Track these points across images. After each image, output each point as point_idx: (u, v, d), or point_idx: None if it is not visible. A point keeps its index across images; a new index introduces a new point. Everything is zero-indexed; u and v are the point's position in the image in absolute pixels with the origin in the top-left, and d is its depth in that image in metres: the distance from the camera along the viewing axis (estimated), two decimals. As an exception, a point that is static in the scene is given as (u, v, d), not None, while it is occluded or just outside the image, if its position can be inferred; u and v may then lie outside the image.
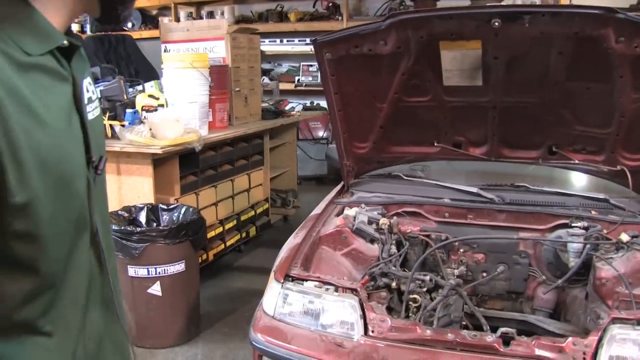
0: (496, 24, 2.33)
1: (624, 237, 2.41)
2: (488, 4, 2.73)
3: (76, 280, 0.98)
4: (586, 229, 2.56)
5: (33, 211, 0.84)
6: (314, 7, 8.05)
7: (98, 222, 1.04)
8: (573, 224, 2.60)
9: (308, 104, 7.71)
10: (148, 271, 3.32)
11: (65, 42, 0.95)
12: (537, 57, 2.54)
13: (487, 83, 2.66)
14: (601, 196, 2.81)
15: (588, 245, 2.45)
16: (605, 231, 2.54)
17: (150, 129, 3.72)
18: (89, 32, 7.77)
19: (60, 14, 0.94)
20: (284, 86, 7.80)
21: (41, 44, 0.90)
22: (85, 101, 1.00)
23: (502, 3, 5.85)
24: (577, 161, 2.91)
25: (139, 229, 3.36)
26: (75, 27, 6.68)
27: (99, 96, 1.13)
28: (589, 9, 2.28)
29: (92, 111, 1.03)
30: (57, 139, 0.89)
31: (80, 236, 0.98)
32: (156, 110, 3.98)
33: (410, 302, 2.38)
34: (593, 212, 2.70)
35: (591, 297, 2.35)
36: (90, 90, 1.04)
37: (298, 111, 6.28)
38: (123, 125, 3.83)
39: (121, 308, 1.15)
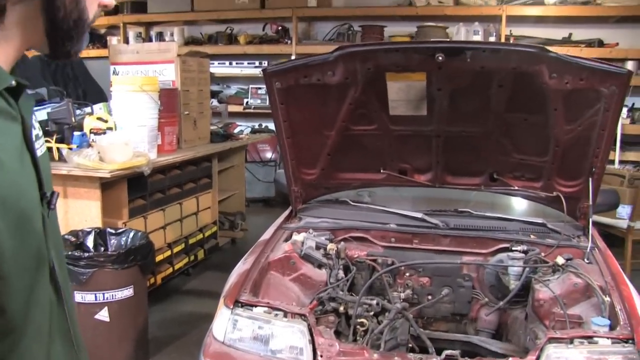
0: (440, 58, 2.43)
1: (560, 260, 2.54)
2: (432, 39, 2.85)
3: (39, 316, 0.98)
4: (525, 252, 2.67)
5: None
6: (263, 30, 8.11)
7: (54, 256, 1.04)
8: (513, 248, 2.72)
9: (256, 127, 7.74)
10: (95, 297, 3.28)
11: (14, 82, 0.95)
12: (478, 90, 2.65)
13: (431, 113, 2.75)
14: (539, 221, 2.94)
15: (527, 269, 2.56)
16: (543, 254, 2.66)
17: (99, 153, 3.69)
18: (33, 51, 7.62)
19: (6, 53, 0.95)
20: (232, 108, 7.80)
21: None
22: (34, 138, 1.00)
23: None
24: (516, 187, 3.02)
25: (86, 254, 3.32)
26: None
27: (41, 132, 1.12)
28: (525, 47, 2.42)
29: (40, 148, 1.04)
30: (13, 177, 0.89)
31: (40, 271, 0.99)
32: (105, 133, 3.95)
33: (358, 326, 2.44)
34: (532, 236, 2.82)
35: (530, 318, 2.46)
36: (36, 127, 1.05)
37: (246, 134, 6.31)
38: (71, 149, 3.79)
39: (80, 341, 1.16)
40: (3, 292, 0.88)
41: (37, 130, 1.04)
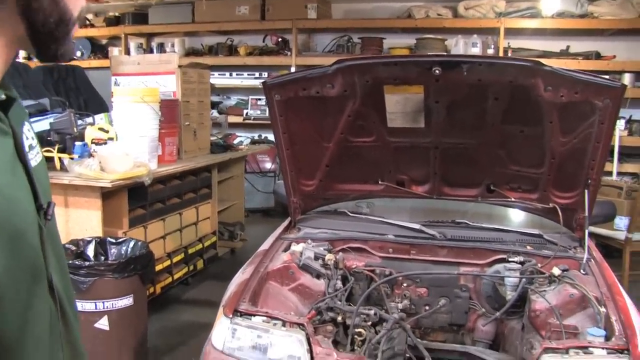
0: (437, 71, 2.47)
1: (556, 271, 2.56)
2: (430, 53, 2.89)
3: (38, 329, 0.97)
4: (522, 263, 2.69)
5: None
6: (263, 41, 8.17)
7: (54, 268, 1.02)
8: (510, 259, 2.73)
9: (256, 137, 7.76)
10: (95, 305, 3.29)
11: (3, 96, 0.93)
12: (475, 102, 2.68)
13: (428, 125, 2.78)
14: (535, 232, 2.96)
15: (523, 279, 2.58)
16: (539, 265, 2.68)
17: (100, 163, 3.72)
18: (35, 60, 7.66)
19: None
20: (232, 119, 7.85)
21: None
22: (27, 149, 0.98)
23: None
24: (513, 199, 3.04)
25: (86, 263, 3.33)
26: (22, 54, 6.58)
27: (38, 140, 1.07)
28: (520, 61, 2.46)
29: (35, 157, 1.01)
30: (5, 193, 0.87)
31: (39, 284, 0.96)
32: (106, 143, 3.98)
33: (356, 336, 2.46)
34: (528, 247, 2.84)
35: (527, 328, 2.47)
36: (29, 137, 1.02)
37: (246, 145, 6.33)
38: (72, 158, 3.82)
39: (80, 351, 1.15)
40: None
41: (30, 140, 1.01)
